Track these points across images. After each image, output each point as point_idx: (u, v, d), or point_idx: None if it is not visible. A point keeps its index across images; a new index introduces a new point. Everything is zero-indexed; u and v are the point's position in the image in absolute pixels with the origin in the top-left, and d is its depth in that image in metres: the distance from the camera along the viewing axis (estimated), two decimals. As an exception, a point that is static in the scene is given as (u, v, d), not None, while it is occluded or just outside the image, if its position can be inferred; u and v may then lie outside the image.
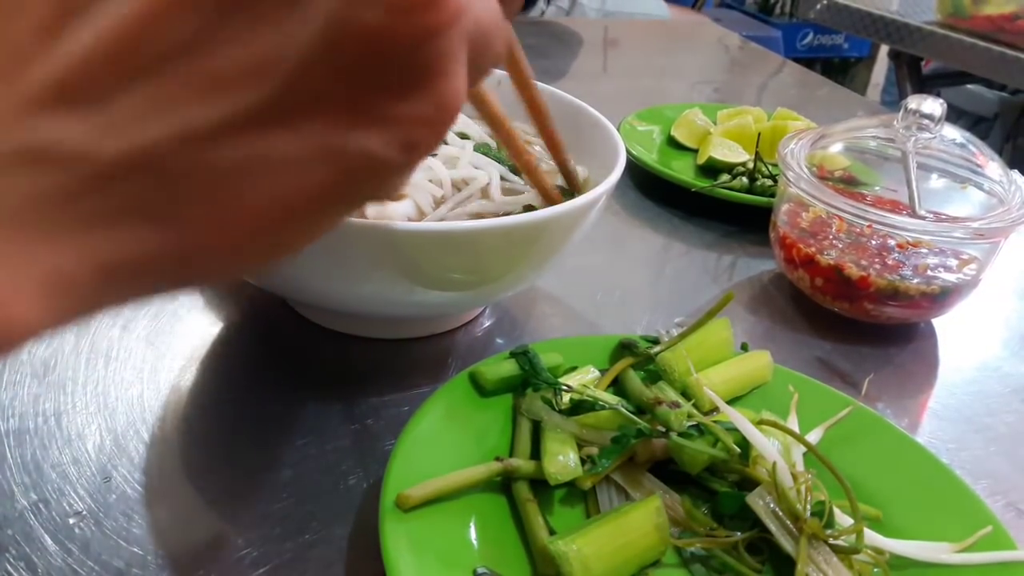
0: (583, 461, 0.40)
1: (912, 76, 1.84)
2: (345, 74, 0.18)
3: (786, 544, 0.36)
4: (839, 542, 0.36)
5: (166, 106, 0.17)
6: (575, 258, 0.60)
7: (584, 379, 0.45)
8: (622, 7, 1.59)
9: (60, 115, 0.16)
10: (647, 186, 0.77)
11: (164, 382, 0.46)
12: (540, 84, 0.60)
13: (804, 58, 3.01)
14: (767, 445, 0.39)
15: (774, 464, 0.38)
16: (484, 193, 0.48)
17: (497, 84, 0.62)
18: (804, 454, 0.42)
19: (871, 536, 0.38)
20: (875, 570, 0.37)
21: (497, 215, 0.47)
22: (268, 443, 0.43)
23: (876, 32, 1.68)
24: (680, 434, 0.40)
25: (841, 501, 0.39)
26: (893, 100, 2.48)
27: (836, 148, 0.64)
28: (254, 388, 0.47)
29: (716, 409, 0.42)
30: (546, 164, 0.57)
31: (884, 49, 2.77)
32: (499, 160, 0.51)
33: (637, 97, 0.97)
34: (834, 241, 0.59)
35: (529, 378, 0.43)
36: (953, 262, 0.57)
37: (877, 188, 0.64)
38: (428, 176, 0.47)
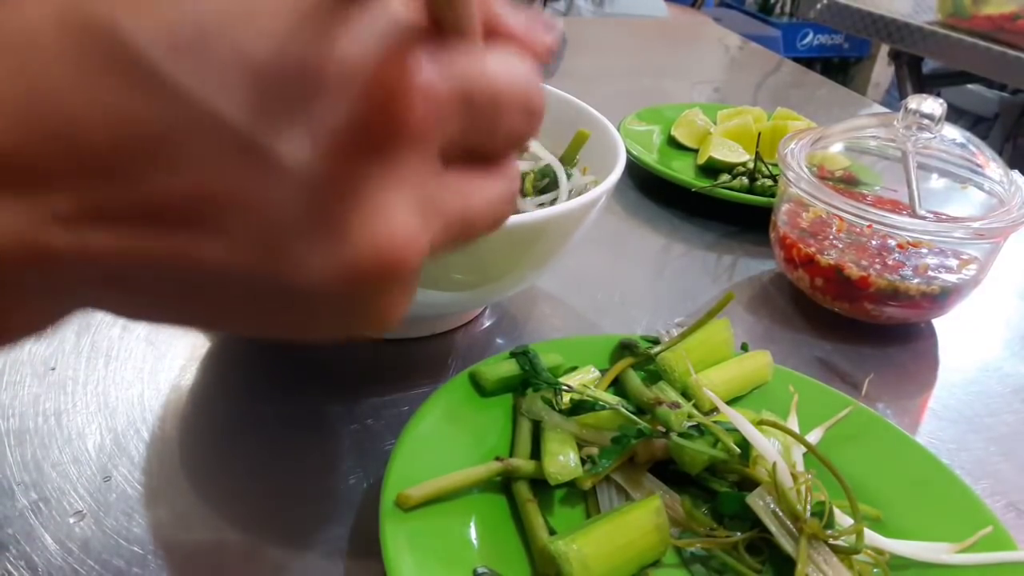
0: (583, 461, 0.40)
1: (912, 76, 1.84)
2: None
3: (786, 544, 0.36)
4: (839, 542, 0.36)
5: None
6: (575, 258, 0.60)
7: (584, 379, 0.45)
8: (619, 7, 1.59)
9: None
10: (647, 186, 0.77)
11: (164, 382, 0.46)
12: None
13: (804, 58, 3.02)
14: (767, 445, 0.39)
15: (774, 464, 0.38)
16: None
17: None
18: (804, 454, 0.42)
19: (871, 536, 0.38)
20: (875, 570, 0.37)
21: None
22: (268, 443, 0.43)
23: (876, 32, 1.68)
24: (680, 434, 0.40)
25: (841, 501, 0.38)
26: (892, 102, 2.48)
27: (836, 148, 0.64)
28: (254, 388, 0.47)
29: (716, 409, 0.42)
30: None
31: (884, 49, 2.77)
32: None
33: (637, 97, 0.96)
34: (834, 241, 0.59)
35: (529, 378, 0.43)
36: (953, 262, 0.57)
37: (877, 188, 0.64)
38: None
